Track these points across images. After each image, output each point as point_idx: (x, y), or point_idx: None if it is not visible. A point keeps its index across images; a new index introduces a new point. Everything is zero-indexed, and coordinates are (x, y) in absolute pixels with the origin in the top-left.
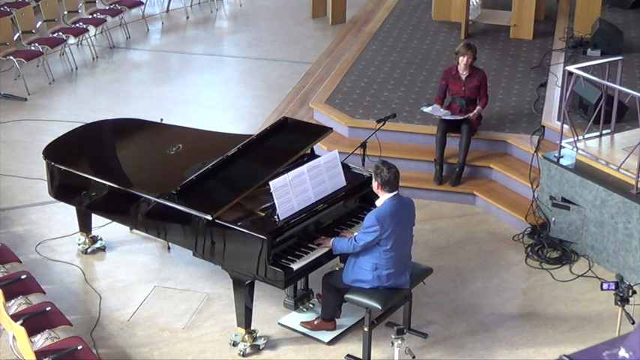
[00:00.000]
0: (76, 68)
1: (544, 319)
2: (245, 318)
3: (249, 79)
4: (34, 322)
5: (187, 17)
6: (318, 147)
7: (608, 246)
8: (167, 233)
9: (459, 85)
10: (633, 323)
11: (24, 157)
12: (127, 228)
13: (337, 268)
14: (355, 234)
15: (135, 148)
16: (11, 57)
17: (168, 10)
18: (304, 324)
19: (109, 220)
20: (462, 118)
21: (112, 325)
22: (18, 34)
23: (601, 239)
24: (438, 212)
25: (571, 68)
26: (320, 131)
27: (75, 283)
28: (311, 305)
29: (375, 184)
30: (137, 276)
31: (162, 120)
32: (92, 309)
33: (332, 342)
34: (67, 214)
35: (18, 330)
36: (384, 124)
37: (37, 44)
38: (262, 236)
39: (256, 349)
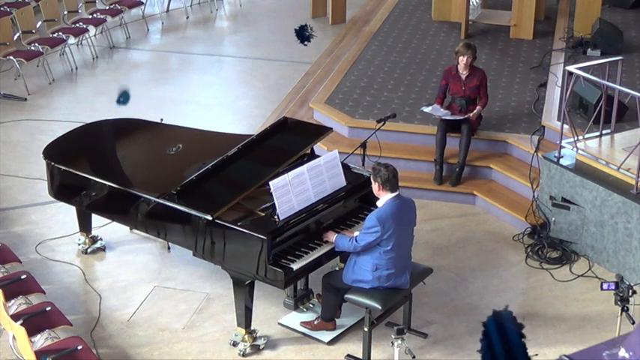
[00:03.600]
0: (76, 68)
1: (544, 319)
2: (245, 318)
3: (249, 79)
4: (34, 322)
5: (187, 17)
6: (318, 147)
7: (608, 246)
8: (167, 233)
9: (459, 84)
10: (633, 323)
11: (24, 157)
12: (127, 228)
13: (337, 268)
14: (356, 234)
15: (135, 148)
16: (11, 57)
17: (168, 10)
18: (304, 324)
19: (109, 220)
20: (462, 118)
21: (112, 325)
22: (18, 34)
23: (601, 239)
24: (438, 212)
25: (571, 68)
26: (320, 131)
27: (75, 283)
28: (311, 305)
29: (375, 186)
30: (137, 276)
31: (162, 120)
32: (92, 309)
33: (332, 342)
34: (67, 214)
35: (18, 330)
36: (384, 124)
37: (37, 44)
38: (262, 236)
39: (256, 349)
